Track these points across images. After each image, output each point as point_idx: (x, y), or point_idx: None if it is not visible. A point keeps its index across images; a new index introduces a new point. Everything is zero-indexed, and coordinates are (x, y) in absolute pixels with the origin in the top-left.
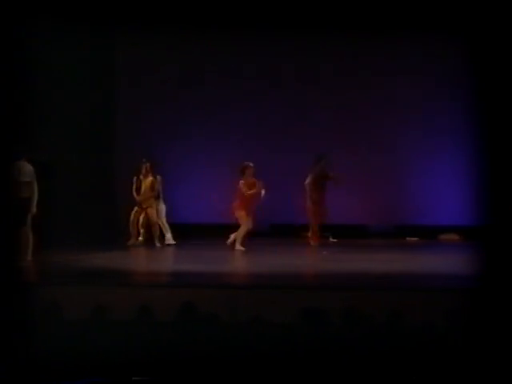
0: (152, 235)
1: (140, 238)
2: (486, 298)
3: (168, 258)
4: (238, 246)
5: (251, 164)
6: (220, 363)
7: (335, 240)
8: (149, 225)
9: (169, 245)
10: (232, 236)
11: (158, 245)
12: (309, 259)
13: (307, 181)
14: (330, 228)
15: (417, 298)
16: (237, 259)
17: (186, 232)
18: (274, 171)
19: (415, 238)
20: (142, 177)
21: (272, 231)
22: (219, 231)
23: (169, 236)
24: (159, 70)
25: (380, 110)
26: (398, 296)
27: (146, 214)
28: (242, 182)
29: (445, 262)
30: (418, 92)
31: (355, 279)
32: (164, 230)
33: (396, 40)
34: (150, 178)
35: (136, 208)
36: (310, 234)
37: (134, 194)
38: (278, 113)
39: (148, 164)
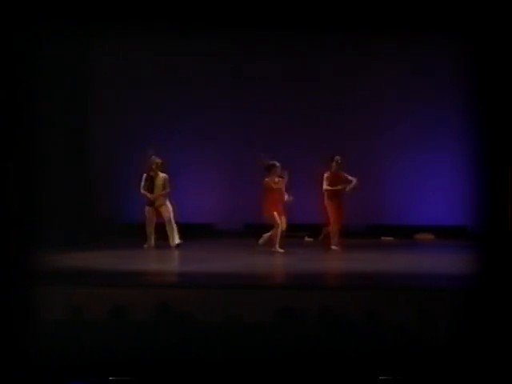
0: (166, 235)
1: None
2: (461, 296)
3: (143, 258)
4: (277, 249)
5: (277, 163)
6: (195, 363)
7: (311, 239)
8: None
9: (178, 245)
10: (265, 236)
11: (176, 242)
12: (284, 259)
13: (324, 183)
14: (306, 227)
15: (392, 298)
16: (212, 259)
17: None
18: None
19: (390, 238)
20: (152, 174)
21: (247, 231)
22: (198, 231)
23: (176, 236)
24: (138, 69)
25: (353, 110)
26: (373, 295)
27: (159, 212)
28: (266, 180)
29: (420, 261)
30: (393, 92)
31: (331, 279)
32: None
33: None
34: (162, 175)
35: (148, 208)
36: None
37: (145, 192)
38: (257, 112)
39: (159, 161)
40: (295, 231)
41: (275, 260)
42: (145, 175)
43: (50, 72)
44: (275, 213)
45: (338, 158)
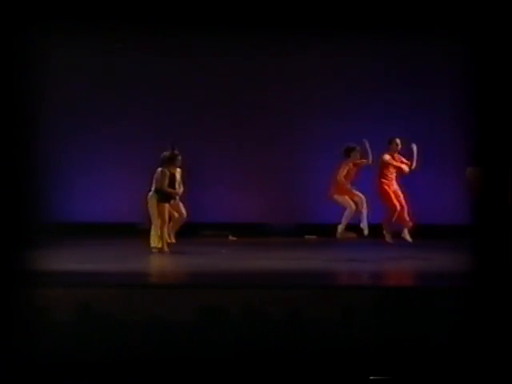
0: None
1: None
2: (383, 294)
3: (65, 258)
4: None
5: (358, 147)
6: (116, 363)
7: (235, 238)
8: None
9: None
10: (340, 227)
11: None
12: (208, 258)
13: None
14: (230, 226)
15: (315, 296)
16: (135, 258)
17: (84, 231)
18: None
19: (313, 236)
20: (172, 170)
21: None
22: (122, 230)
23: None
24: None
25: (278, 109)
26: (296, 293)
27: (176, 209)
28: (345, 162)
29: (342, 259)
30: (316, 83)
31: (254, 277)
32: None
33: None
34: (179, 170)
35: (165, 205)
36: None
37: (167, 188)
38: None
39: (179, 155)
40: (219, 230)
41: (198, 259)
42: (166, 171)
43: None
44: (345, 195)
45: (398, 140)
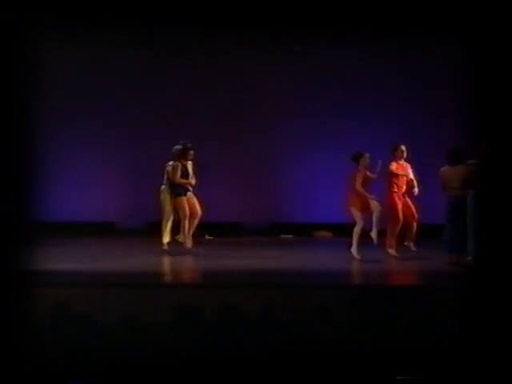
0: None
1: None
2: (358, 293)
3: (40, 257)
4: (355, 252)
5: (367, 154)
6: (92, 362)
7: (211, 238)
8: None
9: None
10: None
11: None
12: (182, 257)
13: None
14: (206, 226)
15: (289, 295)
16: (109, 258)
17: (59, 230)
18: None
19: (289, 236)
20: (184, 162)
21: (149, 229)
22: (99, 230)
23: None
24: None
25: (253, 109)
26: (271, 292)
27: (192, 206)
28: (358, 171)
29: (318, 258)
30: (290, 84)
31: (230, 276)
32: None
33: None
34: (191, 162)
35: (183, 198)
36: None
37: (180, 179)
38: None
39: (192, 149)
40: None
41: (173, 259)
42: (174, 163)
43: None
44: (360, 210)
45: (403, 147)
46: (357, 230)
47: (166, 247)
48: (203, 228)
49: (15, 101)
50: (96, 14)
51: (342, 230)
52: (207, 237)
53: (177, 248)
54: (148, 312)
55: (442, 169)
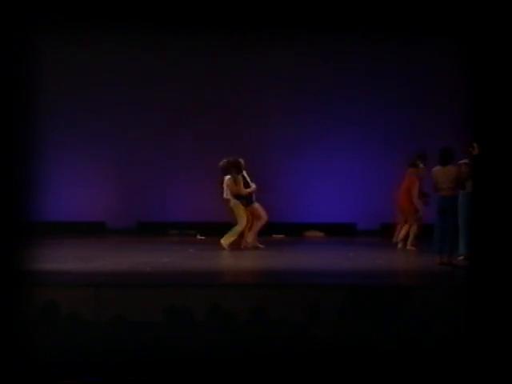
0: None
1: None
2: (349, 293)
3: (31, 257)
4: (410, 247)
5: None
6: (83, 362)
7: (202, 237)
8: None
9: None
10: (400, 235)
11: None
12: (175, 257)
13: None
14: (197, 226)
15: (280, 294)
16: (100, 257)
17: (49, 230)
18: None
19: (281, 235)
20: (241, 173)
21: (139, 229)
22: (89, 229)
23: None
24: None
25: (245, 110)
26: (261, 292)
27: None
28: (415, 175)
29: (309, 258)
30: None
31: (221, 276)
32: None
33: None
34: (245, 171)
35: (243, 207)
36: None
37: (245, 190)
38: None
39: (242, 161)
40: (187, 229)
41: (164, 258)
42: (232, 177)
43: None
44: (414, 208)
45: (421, 165)
46: (413, 229)
47: (227, 247)
48: (194, 228)
49: (15, 101)
50: (96, 14)
51: (333, 230)
52: (199, 237)
53: (168, 248)
54: (139, 312)
55: (434, 169)
